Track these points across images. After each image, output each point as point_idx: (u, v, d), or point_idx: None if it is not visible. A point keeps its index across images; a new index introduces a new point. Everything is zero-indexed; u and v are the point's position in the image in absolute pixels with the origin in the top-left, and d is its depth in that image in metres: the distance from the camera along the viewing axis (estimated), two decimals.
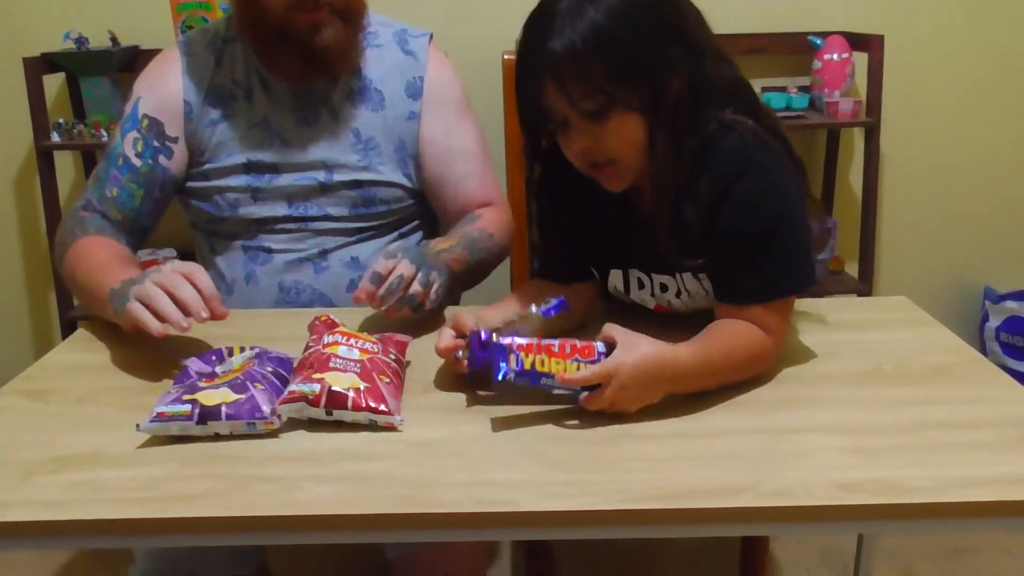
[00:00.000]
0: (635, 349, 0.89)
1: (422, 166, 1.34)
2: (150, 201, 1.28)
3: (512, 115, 1.49)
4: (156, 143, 1.28)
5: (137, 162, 1.26)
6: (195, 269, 1.01)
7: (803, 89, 2.29)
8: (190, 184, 1.32)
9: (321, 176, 1.30)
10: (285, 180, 1.30)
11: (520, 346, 0.88)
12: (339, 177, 1.31)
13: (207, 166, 1.31)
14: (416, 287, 1.07)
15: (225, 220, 1.32)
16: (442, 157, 1.34)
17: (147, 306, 0.97)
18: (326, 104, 1.31)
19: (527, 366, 0.87)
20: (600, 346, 0.91)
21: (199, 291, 0.98)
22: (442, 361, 1.01)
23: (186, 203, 1.35)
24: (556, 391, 0.89)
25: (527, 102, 0.97)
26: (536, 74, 0.93)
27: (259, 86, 1.31)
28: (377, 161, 1.31)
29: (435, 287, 1.10)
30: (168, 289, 0.98)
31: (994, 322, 2.41)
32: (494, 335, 0.91)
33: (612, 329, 0.91)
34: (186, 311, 0.96)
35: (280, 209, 1.30)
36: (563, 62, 0.90)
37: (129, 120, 1.29)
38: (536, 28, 0.93)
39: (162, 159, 1.28)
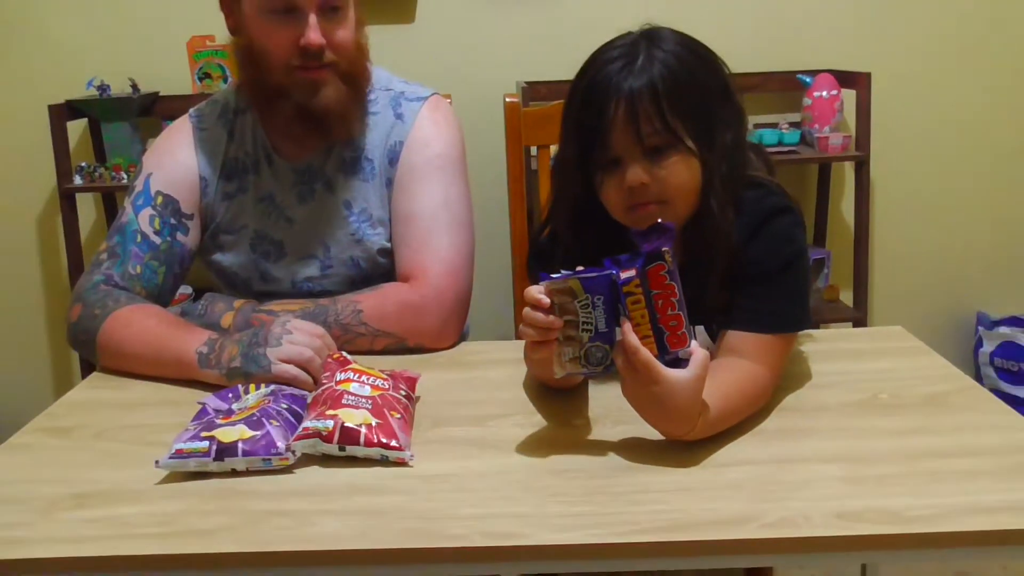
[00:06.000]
0: (695, 381, 0.87)
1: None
2: (171, 277, 1.27)
3: (514, 153, 1.52)
4: (173, 220, 1.26)
5: (156, 239, 1.25)
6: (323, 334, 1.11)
7: (794, 125, 2.35)
8: (205, 254, 1.34)
9: (320, 255, 1.30)
10: (289, 261, 1.31)
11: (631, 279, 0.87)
12: (336, 253, 1.30)
13: (221, 237, 1.32)
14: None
15: (235, 288, 1.34)
16: (395, 222, 1.29)
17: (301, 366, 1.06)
18: (321, 177, 1.29)
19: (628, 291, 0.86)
20: (687, 350, 0.88)
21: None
22: (450, 396, 1.05)
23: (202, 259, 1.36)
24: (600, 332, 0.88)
25: (589, 131, 1.01)
26: (608, 107, 0.99)
27: (264, 161, 1.30)
28: (369, 231, 1.29)
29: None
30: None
31: (988, 347, 2.44)
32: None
33: (699, 352, 0.88)
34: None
35: (284, 286, 1.32)
36: (639, 98, 0.97)
37: (142, 196, 1.26)
38: (610, 64, 1.00)
39: (180, 236, 1.27)
